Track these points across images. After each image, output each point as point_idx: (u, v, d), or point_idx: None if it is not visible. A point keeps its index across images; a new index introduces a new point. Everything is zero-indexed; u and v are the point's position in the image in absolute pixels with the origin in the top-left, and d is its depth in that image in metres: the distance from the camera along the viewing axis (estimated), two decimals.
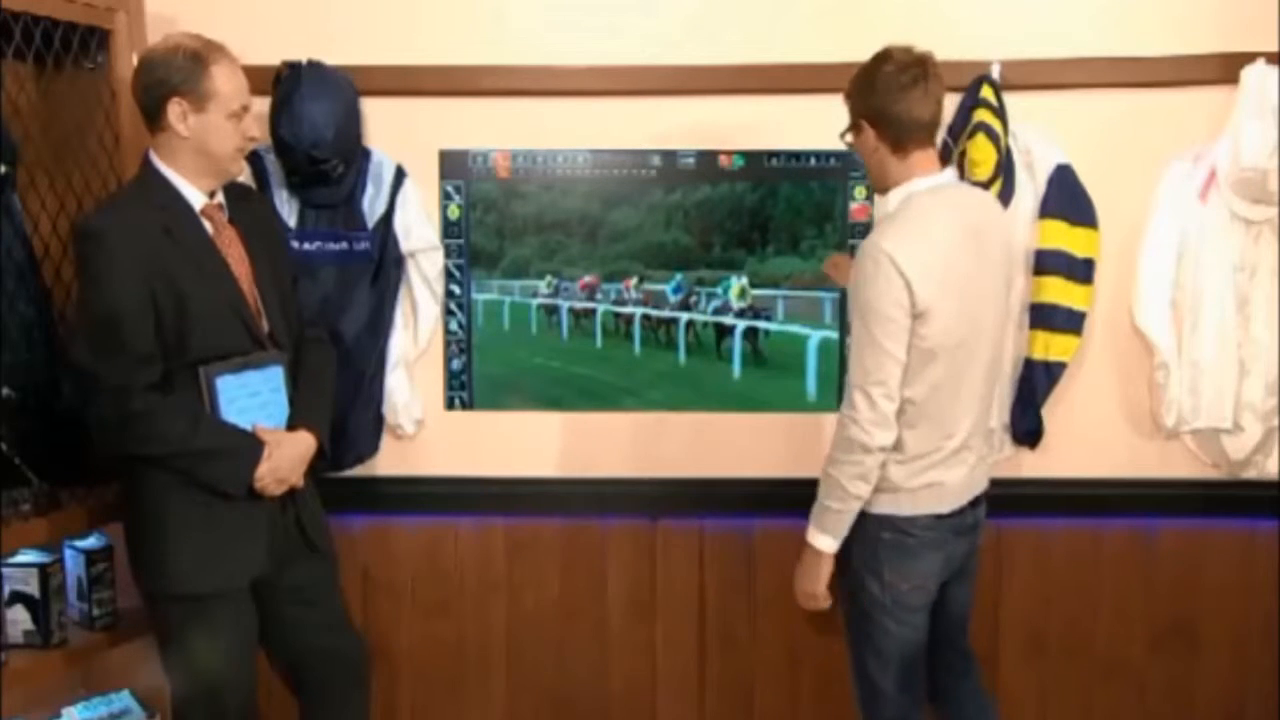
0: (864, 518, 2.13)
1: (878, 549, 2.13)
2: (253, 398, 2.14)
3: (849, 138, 2.15)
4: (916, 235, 2.04)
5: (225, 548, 2.12)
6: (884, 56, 2.09)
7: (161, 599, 2.16)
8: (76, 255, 2.12)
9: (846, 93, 2.14)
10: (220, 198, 2.18)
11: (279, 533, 2.19)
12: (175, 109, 2.05)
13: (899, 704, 2.21)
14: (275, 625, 2.25)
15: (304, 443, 2.18)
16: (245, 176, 2.51)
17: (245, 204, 2.26)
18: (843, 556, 2.17)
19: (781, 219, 2.66)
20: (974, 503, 2.22)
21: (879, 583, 2.14)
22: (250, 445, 2.10)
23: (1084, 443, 2.68)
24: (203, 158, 2.10)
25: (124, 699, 2.50)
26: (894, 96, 2.05)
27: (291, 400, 2.21)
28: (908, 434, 2.09)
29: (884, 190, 2.15)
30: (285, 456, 2.13)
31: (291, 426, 2.19)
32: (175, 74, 2.04)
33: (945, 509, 2.15)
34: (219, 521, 2.10)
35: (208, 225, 2.13)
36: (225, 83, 2.07)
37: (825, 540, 2.13)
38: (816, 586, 2.17)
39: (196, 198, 2.13)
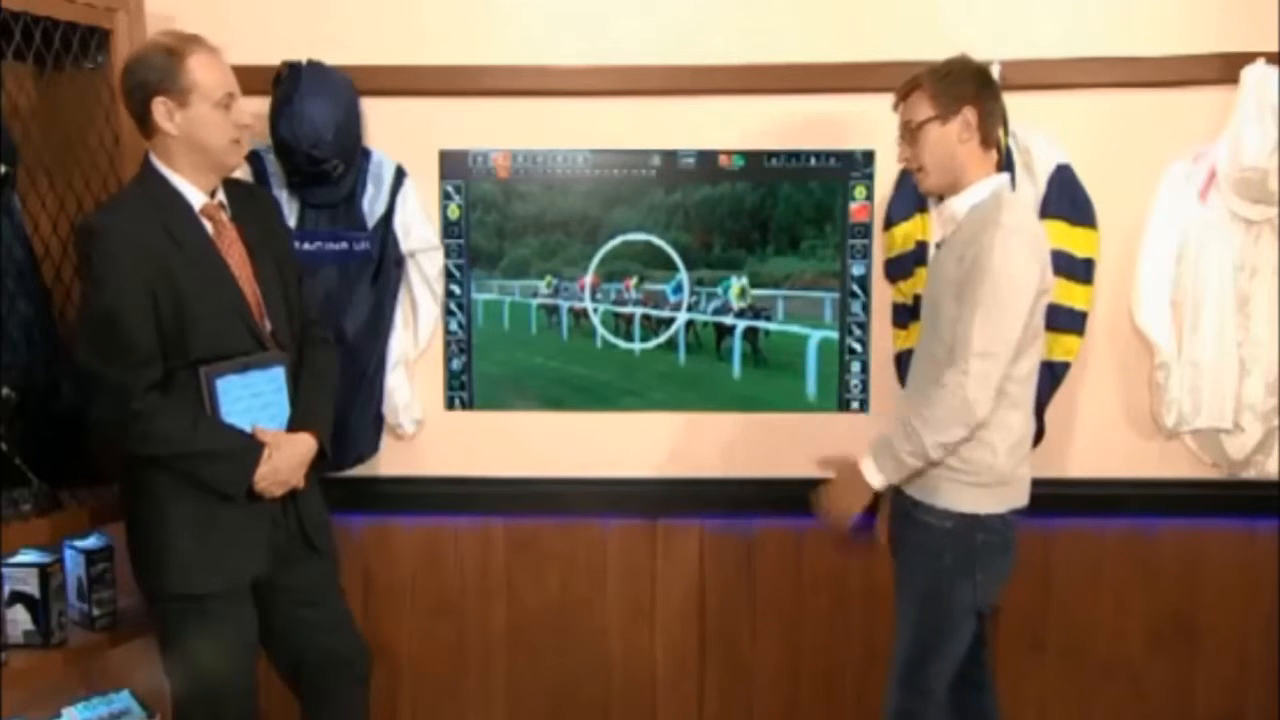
0: (953, 519, 2.10)
1: (973, 551, 2.10)
2: (254, 398, 2.13)
3: (935, 125, 2.10)
4: (1035, 224, 2.16)
5: (225, 548, 2.11)
6: (978, 64, 2.15)
7: (161, 599, 2.15)
8: (78, 255, 2.11)
9: (943, 84, 2.10)
10: (221, 196, 2.16)
11: (280, 533, 2.19)
12: (160, 108, 2.04)
13: (940, 707, 2.20)
14: (276, 625, 2.25)
15: (304, 444, 2.17)
16: (245, 175, 2.51)
17: (249, 202, 2.25)
18: (918, 562, 2.16)
19: (781, 219, 2.66)
20: None
21: (970, 585, 2.12)
22: (250, 447, 2.09)
23: (1084, 443, 2.69)
24: (197, 153, 2.08)
25: (124, 699, 2.50)
26: (997, 96, 2.15)
27: (293, 401, 2.20)
28: (1013, 415, 2.10)
29: (944, 185, 2.15)
30: (285, 458, 2.12)
31: (292, 428, 2.18)
32: (153, 74, 2.03)
33: (1024, 502, 2.17)
34: (219, 522, 2.10)
35: (208, 225, 2.12)
36: (204, 74, 2.04)
37: (880, 479, 2.12)
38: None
39: (196, 197, 2.11)
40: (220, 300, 2.10)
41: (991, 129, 2.13)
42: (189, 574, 2.10)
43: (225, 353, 2.09)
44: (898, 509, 2.25)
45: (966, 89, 2.10)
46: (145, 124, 2.08)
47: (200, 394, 2.08)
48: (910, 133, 2.14)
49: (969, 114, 2.09)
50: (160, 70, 2.03)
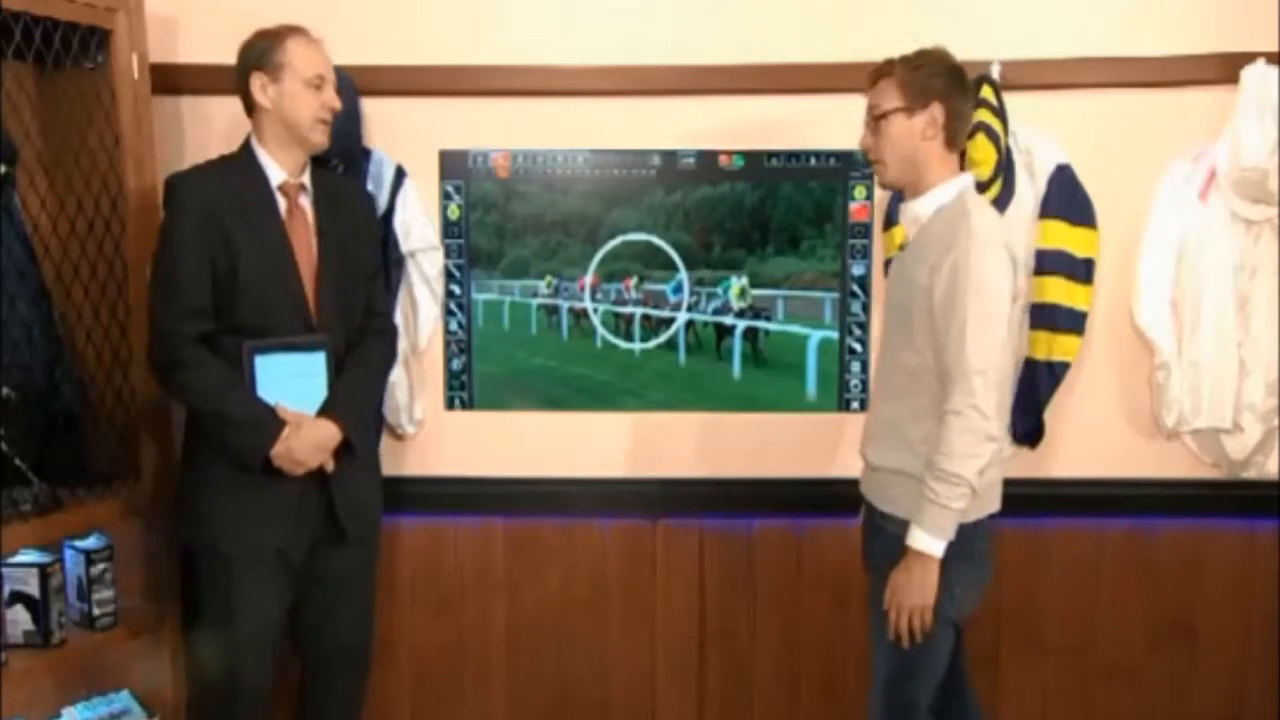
0: None
1: (946, 564, 1.98)
2: (290, 379, 2.19)
3: (900, 117, 2.03)
4: (1003, 226, 2.09)
5: (250, 516, 2.19)
6: (954, 60, 2.07)
7: (194, 551, 2.27)
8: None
9: (914, 76, 2.03)
10: (306, 178, 2.25)
11: (309, 513, 2.23)
12: (256, 82, 2.19)
13: (925, 718, 2.16)
14: (299, 600, 2.29)
15: (325, 430, 2.20)
16: None
17: (339, 194, 2.33)
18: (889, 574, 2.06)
19: (781, 219, 2.66)
20: None
21: (948, 599, 2.01)
22: (269, 422, 2.15)
23: (1084, 443, 2.68)
24: (285, 127, 2.20)
25: (124, 699, 2.50)
26: (968, 97, 2.09)
27: (332, 386, 2.24)
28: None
29: (902, 181, 2.08)
30: (302, 441, 2.16)
31: (322, 412, 2.22)
32: (254, 52, 2.20)
33: (996, 507, 2.12)
34: (249, 490, 2.17)
35: (282, 203, 2.21)
36: (298, 55, 2.19)
37: (939, 542, 1.97)
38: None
39: (277, 174, 2.22)
40: (273, 275, 2.18)
41: (959, 131, 2.06)
42: (216, 531, 2.20)
43: (270, 328, 2.18)
44: (868, 523, 2.17)
45: (937, 84, 2.03)
46: (246, 100, 2.21)
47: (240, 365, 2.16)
48: (874, 120, 2.07)
49: (936, 110, 2.02)
50: (260, 50, 2.20)
